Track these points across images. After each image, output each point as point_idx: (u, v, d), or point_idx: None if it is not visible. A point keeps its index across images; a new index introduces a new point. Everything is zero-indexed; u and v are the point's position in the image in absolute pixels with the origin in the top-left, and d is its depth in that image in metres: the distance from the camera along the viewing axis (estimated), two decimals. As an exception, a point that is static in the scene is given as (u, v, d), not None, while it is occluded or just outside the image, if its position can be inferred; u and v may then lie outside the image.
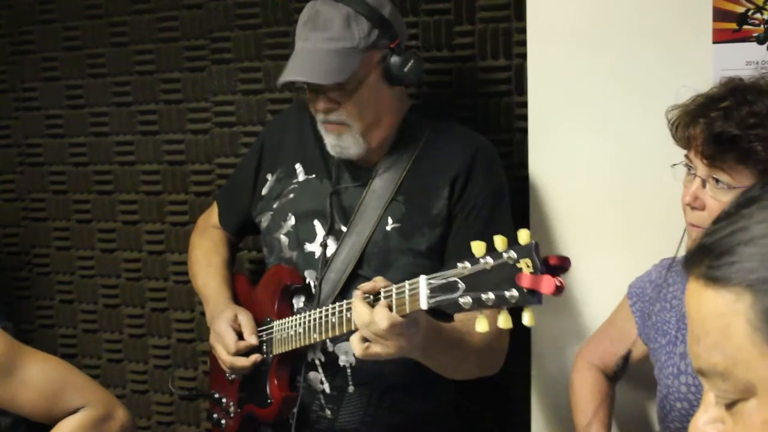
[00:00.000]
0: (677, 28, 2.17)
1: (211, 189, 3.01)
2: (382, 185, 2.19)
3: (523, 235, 1.48)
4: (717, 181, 1.71)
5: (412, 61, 2.13)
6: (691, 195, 1.75)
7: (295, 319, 2.14)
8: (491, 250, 1.52)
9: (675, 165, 1.81)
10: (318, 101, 2.12)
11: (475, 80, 2.52)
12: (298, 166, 2.31)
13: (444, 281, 1.60)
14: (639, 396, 2.24)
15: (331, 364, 2.20)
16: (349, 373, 2.19)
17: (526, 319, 1.48)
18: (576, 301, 2.38)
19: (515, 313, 1.51)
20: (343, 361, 2.19)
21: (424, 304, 1.65)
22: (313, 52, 2.08)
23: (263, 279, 2.32)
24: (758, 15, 2.10)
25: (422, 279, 1.66)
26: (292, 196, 2.29)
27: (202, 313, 3.06)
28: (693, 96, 1.79)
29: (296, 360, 2.22)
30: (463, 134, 2.25)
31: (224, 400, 2.40)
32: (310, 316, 2.08)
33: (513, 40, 2.46)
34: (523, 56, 2.40)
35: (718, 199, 1.71)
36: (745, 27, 2.11)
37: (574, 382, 2.22)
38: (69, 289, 3.35)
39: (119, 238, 3.23)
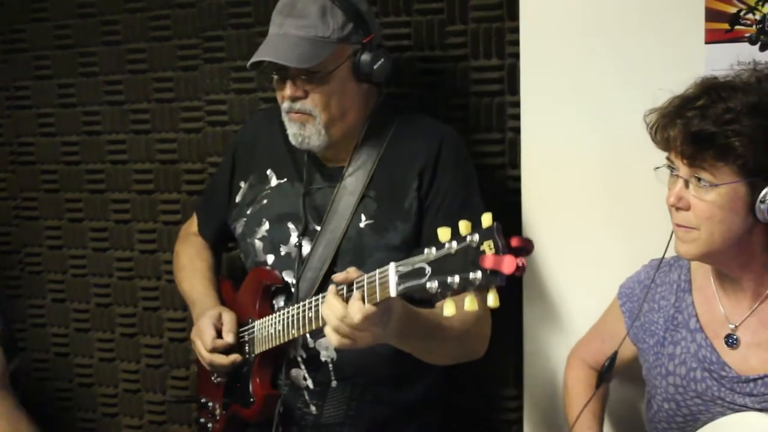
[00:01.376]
0: (669, 29, 2.18)
1: (204, 188, 3.00)
2: (353, 182, 2.20)
3: (486, 219, 1.49)
4: (699, 180, 1.71)
5: (382, 60, 2.14)
6: (675, 196, 1.75)
7: (274, 317, 2.15)
8: (456, 234, 1.53)
9: (658, 168, 1.81)
10: (285, 88, 2.13)
11: (467, 80, 2.52)
12: (270, 172, 2.34)
13: (411, 267, 1.61)
14: (631, 395, 2.24)
15: (312, 360, 2.21)
16: (331, 368, 2.20)
17: (491, 300, 1.48)
18: (568, 300, 2.39)
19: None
20: (324, 356, 2.20)
21: (393, 291, 1.65)
22: (286, 37, 2.10)
23: (244, 283, 2.34)
24: (750, 15, 2.10)
25: (391, 266, 1.67)
26: (265, 201, 2.31)
27: (194, 313, 3.07)
28: (669, 98, 1.79)
29: (278, 358, 2.23)
30: (428, 126, 2.26)
31: (210, 403, 2.41)
32: (288, 312, 2.09)
33: (506, 40, 2.45)
34: (516, 56, 2.40)
35: (701, 198, 1.72)
36: (737, 27, 2.12)
37: (567, 380, 2.23)
38: (61, 288, 3.35)
39: (111, 237, 3.22)
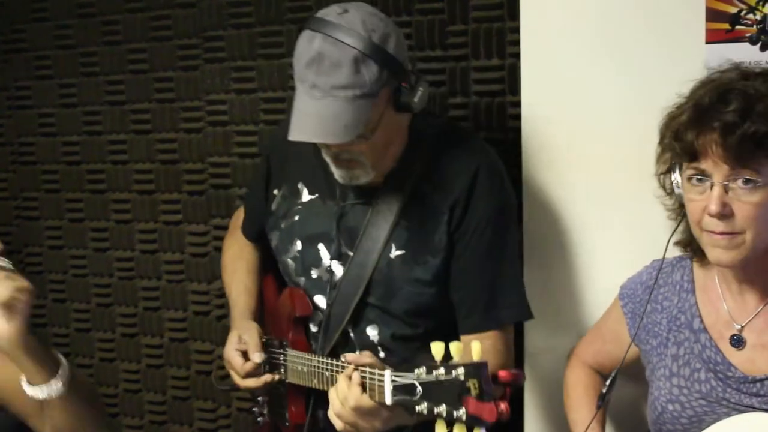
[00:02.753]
0: (670, 28, 2.17)
1: (204, 188, 3.01)
2: (386, 207, 2.12)
3: (475, 350, 1.53)
4: (747, 181, 1.67)
5: (421, 90, 2.00)
6: (719, 204, 1.68)
7: (304, 357, 2.15)
8: (447, 355, 1.57)
9: (663, 174, 1.78)
10: (329, 147, 2.03)
11: (468, 80, 2.52)
12: (301, 186, 2.25)
13: (405, 382, 1.64)
14: (634, 396, 2.24)
15: None
16: None
17: None
18: (568, 301, 2.38)
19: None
20: None
21: (388, 400, 1.69)
22: (324, 105, 1.92)
23: (281, 297, 2.32)
24: (751, 15, 2.10)
25: (387, 375, 1.69)
26: (297, 218, 2.24)
27: (195, 312, 3.08)
28: (679, 106, 1.76)
29: (311, 389, 2.21)
30: (465, 150, 2.14)
31: (260, 399, 2.43)
32: (311, 361, 2.11)
33: (506, 40, 2.46)
34: (517, 56, 2.40)
35: (747, 200, 1.67)
36: (738, 27, 2.11)
37: (568, 381, 2.22)
38: (61, 288, 3.36)
39: (112, 237, 3.23)
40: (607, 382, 1.96)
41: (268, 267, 2.47)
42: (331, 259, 2.18)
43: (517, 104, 2.41)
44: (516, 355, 2.44)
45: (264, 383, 2.24)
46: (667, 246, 1.86)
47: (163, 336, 3.18)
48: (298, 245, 2.24)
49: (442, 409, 1.54)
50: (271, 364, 2.27)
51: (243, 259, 2.48)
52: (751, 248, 1.71)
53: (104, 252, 3.25)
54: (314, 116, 1.93)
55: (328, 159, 2.07)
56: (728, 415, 1.80)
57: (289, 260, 2.27)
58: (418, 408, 1.59)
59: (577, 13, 2.28)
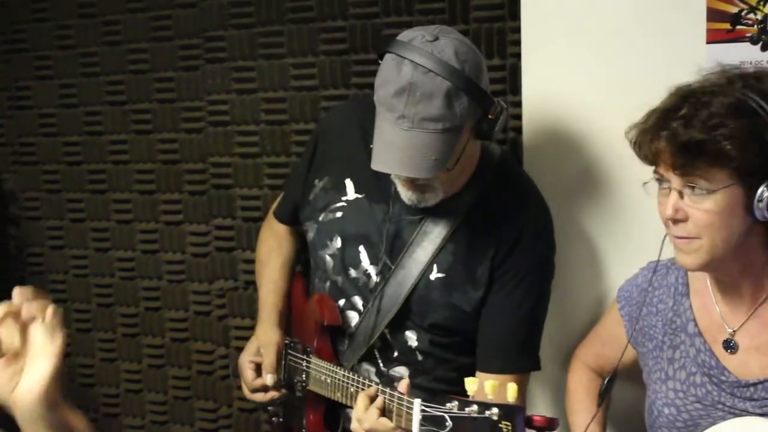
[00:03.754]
0: (671, 28, 2.18)
1: (205, 188, 3.01)
2: (435, 229, 2.09)
3: (511, 392, 1.52)
4: (693, 188, 1.68)
5: (501, 118, 1.94)
6: (671, 208, 1.71)
7: (328, 368, 2.14)
8: (481, 392, 1.56)
9: (646, 183, 1.78)
10: (408, 181, 1.98)
11: (469, 80, 2.51)
12: (348, 182, 2.20)
13: (435, 413, 1.62)
14: (633, 399, 2.24)
15: None
16: None
17: None
18: (570, 303, 2.38)
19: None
20: None
21: (416, 429, 1.68)
22: (412, 136, 1.86)
23: (310, 301, 2.29)
24: (752, 15, 2.10)
25: (416, 404, 1.68)
26: (340, 214, 2.20)
27: (196, 312, 3.08)
28: (647, 112, 1.77)
29: (331, 400, 2.21)
30: (522, 191, 2.14)
31: (274, 409, 2.43)
32: (337, 373, 2.10)
33: (507, 40, 2.45)
34: (518, 56, 2.40)
35: (698, 206, 1.68)
36: (739, 27, 2.12)
37: (570, 384, 2.23)
38: (62, 288, 3.35)
39: (113, 237, 3.23)
40: (605, 381, 1.96)
41: (300, 260, 2.46)
42: (371, 264, 2.15)
43: (518, 104, 2.42)
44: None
45: (270, 399, 2.28)
46: (661, 248, 1.86)
47: (164, 336, 3.18)
48: (338, 242, 2.20)
49: None
50: (291, 369, 2.27)
51: (279, 254, 2.44)
52: (708, 253, 1.72)
53: (105, 252, 3.25)
54: (402, 148, 1.87)
55: (398, 181, 2.02)
56: (724, 418, 1.80)
57: (327, 256, 2.23)
58: None
59: (577, 13, 2.28)
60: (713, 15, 2.13)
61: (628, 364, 2.06)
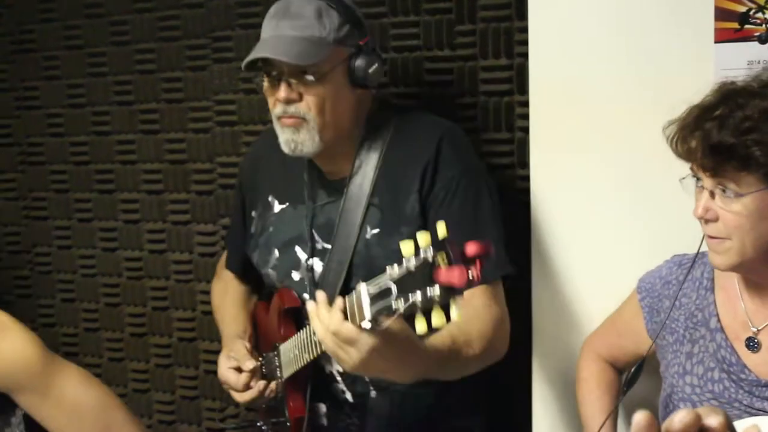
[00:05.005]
0: (678, 28, 2.17)
1: (213, 188, 3.01)
2: (356, 191, 2.16)
3: (440, 228, 1.46)
4: (724, 190, 1.68)
5: (377, 64, 2.11)
6: (702, 208, 1.71)
7: (292, 341, 2.15)
8: (417, 248, 1.49)
9: (683, 179, 1.78)
10: (279, 90, 2.07)
11: (476, 79, 2.51)
12: (271, 198, 2.32)
13: (380, 288, 1.55)
14: (648, 391, 2.23)
15: (349, 373, 2.16)
16: (367, 379, 2.19)
17: (454, 314, 1.46)
18: (577, 299, 2.38)
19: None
20: None
21: (367, 313, 1.58)
22: (282, 37, 2.05)
23: (270, 306, 2.33)
24: (760, 14, 2.10)
25: (362, 287, 1.60)
26: (271, 229, 2.30)
27: (204, 312, 3.09)
28: (688, 108, 1.76)
29: (309, 378, 2.22)
30: (426, 123, 2.21)
31: (264, 427, 2.42)
32: (300, 336, 2.08)
33: (514, 40, 2.45)
34: (525, 55, 2.40)
35: (728, 208, 1.68)
36: (747, 26, 2.11)
37: (581, 373, 2.21)
38: (70, 288, 3.36)
39: (120, 237, 3.23)
40: (632, 371, 1.96)
41: (260, 294, 2.52)
42: (310, 257, 2.21)
43: (525, 104, 2.41)
44: (525, 351, 2.45)
45: (262, 389, 2.25)
46: (700, 244, 1.85)
47: (171, 336, 3.19)
48: (276, 254, 2.28)
49: (417, 296, 1.45)
50: (269, 374, 2.27)
51: (228, 294, 2.52)
52: (738, 254, 1.71)
53: (113, 252, 3.26)
54: (271, 39, 2.07)
55: (276, 125, 2.13)
56: (740, 417, 1.79)
57: (270, 270, 2.30)
58: (394, 306, 1.50)
59: (585, 13, 2.28)
60: (721, 14, 2.12)
61: (642, 356, 2.04)
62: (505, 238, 2.13)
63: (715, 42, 2.13)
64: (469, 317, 1.93)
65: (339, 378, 2.22)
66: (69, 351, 3.37)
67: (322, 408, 2.27)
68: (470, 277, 1.42)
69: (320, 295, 1.75)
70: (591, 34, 2.27)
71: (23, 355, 1.71)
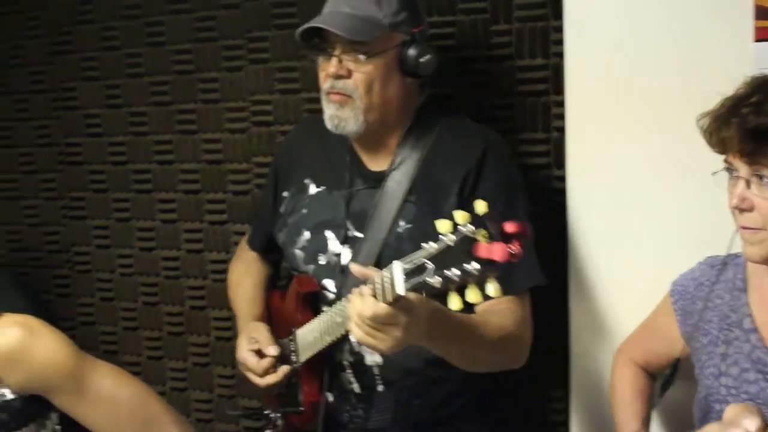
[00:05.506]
0: (717, 27, 2.15)
1: (249, 188, 3.03)
2: (394, 186, 2.17)
3: (480, 206, 1.47)
4: (761, 177, 1.68)
5: (429, 55, 2.12)
6: (737, 197, 1.70)
7: (312, 324, 2.16)
8: (455, 225, 1.50)
9: (716, 173, 1.77)
10: (330, 65, 2.10)
11: (512, 79, 2.51)
12: (308, 181, 2.32)
13: (415, 265, 1.56)
14: (682, 394, 2.22)
15: (359, 365, 2.21)
16: (376, 373, 2.20)
17: (491, 290, 1.47)
18: (615, 300, 2.37)
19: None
20: (369, 360, 2.19)
21: (401, 289, 1.59)
22: (339, 13, 2.09)
23: (288, 292, 2.35)
24: (800, 13, 2.08)
25: (396, 264, 1.61)
26: (305, 211, 2.30)
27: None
28: (720, 100, 1.76)
29: (325, 364, 2.23)
30: (472, 129, 2.23)
31: (272, 415, 2.42)
32: (320, 319, 2.10)
33: (550, 39, 2.44)
34: (560, 55, 2.39)
35: (764, 196, 1.68)
36: (787, 25, 2.09)
37: (615, 380, 2.20)
38: (109, 287, 3.39)
39: (158, 237, 3.25)
40: (667, 374, 1.95)
41: (276, 283, 2.53)
42: (341, 244, 2.21)
43: (561, 104, 2.40)
44: (562, 355, 2.45)
45: (283, 374, 2.24)
46: (730, 243, 1.84)
47: (209, 335, 3.20)
48: (306, 235, 2.27)
49: (454, 271, 1.47)
50: (285, 361, 2.26)
51: (250, 275, 2.53)
52: None
53: (150, 251, 3.28)
54: (328, 14, 2.11)
55: (323, 99, 2.14)
56: (776, 417, 1.78)
57: (297, 251, 2.30)
58: (430, 281, 1.51)
59: (621, 12, 2.27)
60: (761, 13, 2.10)
61: (677, 358, 2.03)
62: (536, 250, 2.12)
63: (755, 41, 2.11)
64: (493, 312, 2.00)
65: (349, 369, 2.23)
66: (108, 349, 3.40)
67: (329, 397, 2.27)
68: (512, 252, 1.43)
69: (354, 267, 1.82)
70: (627, 34, 2.26)
71: (54, 357, 1.75)
